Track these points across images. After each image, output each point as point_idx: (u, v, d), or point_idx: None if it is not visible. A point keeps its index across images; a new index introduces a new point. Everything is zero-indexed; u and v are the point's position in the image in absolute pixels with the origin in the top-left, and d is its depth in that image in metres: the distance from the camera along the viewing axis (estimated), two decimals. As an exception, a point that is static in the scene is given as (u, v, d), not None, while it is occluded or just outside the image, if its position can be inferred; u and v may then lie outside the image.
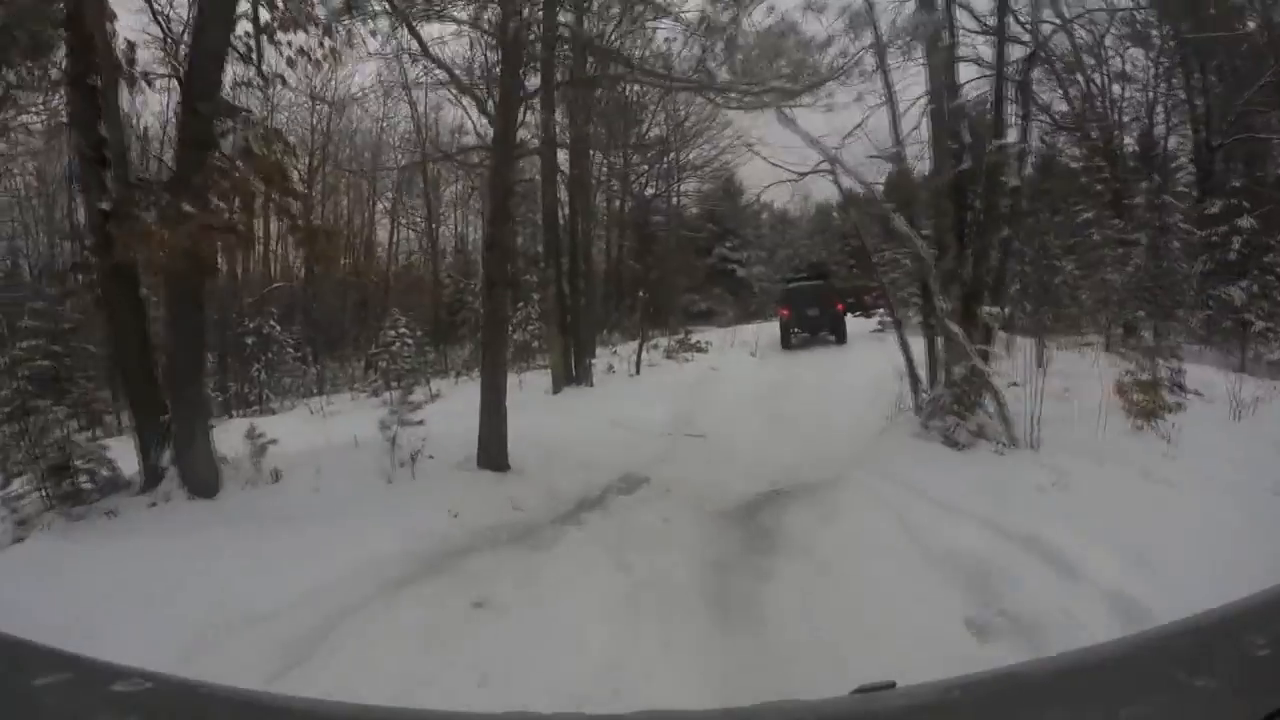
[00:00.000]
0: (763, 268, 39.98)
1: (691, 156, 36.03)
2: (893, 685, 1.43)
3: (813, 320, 21.96)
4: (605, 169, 33.16)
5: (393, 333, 23.27)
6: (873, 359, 17.92)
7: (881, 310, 27.03)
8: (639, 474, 9.69)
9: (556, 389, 16.36)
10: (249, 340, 24.22)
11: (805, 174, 11.47)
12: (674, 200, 37.50)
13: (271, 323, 24.49)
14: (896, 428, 10.22)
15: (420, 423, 10.17)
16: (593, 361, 18.45)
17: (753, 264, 39.56)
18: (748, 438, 11.50)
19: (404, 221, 34.95)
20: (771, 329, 24.28)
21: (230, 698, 1.37)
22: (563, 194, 18.08)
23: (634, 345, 19.51)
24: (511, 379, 18.23)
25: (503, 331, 10.24)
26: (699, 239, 38.43)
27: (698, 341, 21.77)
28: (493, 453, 9.82)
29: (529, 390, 16.90)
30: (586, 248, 27.32)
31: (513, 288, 9.95)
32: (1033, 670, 1.48)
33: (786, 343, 22.19)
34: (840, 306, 22.32)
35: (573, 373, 16.68)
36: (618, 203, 34.97)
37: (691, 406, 14.05)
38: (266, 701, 1.44)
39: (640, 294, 22.20)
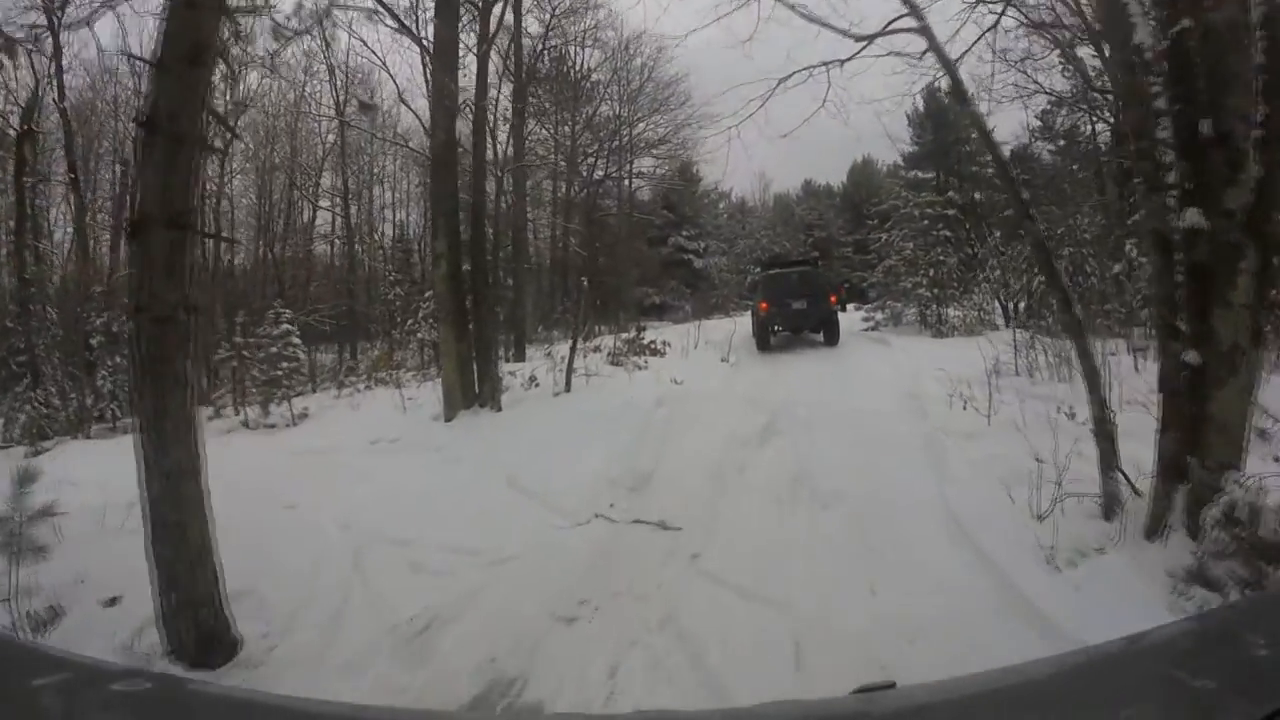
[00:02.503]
0: (723, 258, 34.22)
1: (646, 133, 30.10)
2: (892, 685, 1.30)
3: (799, 315, 16.05)
4: (552, 144, 27.43)
5: (273, 330, 17.31)
6: (884, 369, 12.20)
7: (871, 305, 21.46)
8: (526, 688, 3.73)
9: (450, 414, 10.40)
10: (94, 341, 17.77)
11: (872, 36, 5.49)
12: (626, 183, 31.50)
13: (125, 316, 18.06)
14: (1099, 559, 4.42)
15: (41, 551, 4.30)
16: (511, 373, 12.46)
17: (712, 254, 33.76)
18: (760, 545, 5.54)
19: (324, 203, 28.54)
20: (741, 326, 18.46)
21: (229, 698, 1.23)
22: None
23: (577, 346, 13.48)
24: (393, 397, 12.30)
25: (171, 337, 4.07)
26: (653, 226, 32.49)
27: (652, 342, 15.78)
28: (183, 626, 3.86)
29: (414, 416, 10.95)
30: (520, 222, 21.36)
31: (190, 230, 3.55)
32: (1033, 670, 1.32)
33: (764, 343, 16.26)
34: (833, 299, 16.44)
35: (475, 389, 10.65)
36: (564, 185, 29.01)
37: (645, 452, 8.12)
38: (265, 701, 1.28)
39: (582, 281, 16.11)
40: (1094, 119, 22.53)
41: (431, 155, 10.70)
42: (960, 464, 6.66)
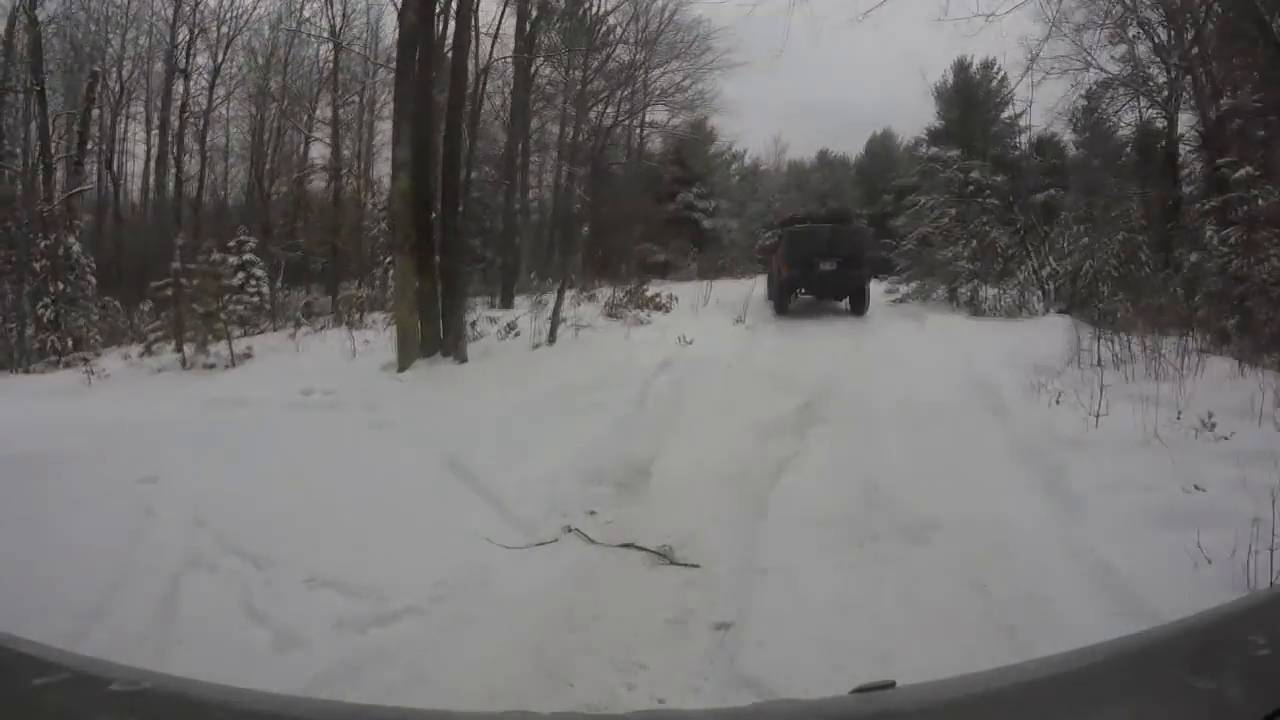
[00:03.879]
0: (734, 220, 31.72)
1: (662, 80, 27.43)
2: (892, 685, 1.17)
3: (826, 279, 13.48)
4: (561, 85, 24.90)
5: (233, 259, 15.03)
6: (928, 348, 9.80)
7: (895, 275, 18.92)
8: None
9: (403, 363, 8.07)
10: (38, 264, 15.29)
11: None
12: (637, 132, 28.87)
13: (72, 240, 15.64)
14: None
15: None
16: (491, 319, 10.19)
17: (721, 215, 31.15)
18: (835, 614, 3.19)
19: (318, 135, 25.95)
20: (755, 287, 16.04)
21: (229, 698, 1.15)
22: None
23: (569, 296, 11.05)
24: (347, 340, 9.97)
25: None
26: (662, 180, 29.87)
27: (656, 295, 13.38)
28: None
29: (363, 363, 8.74)
30: (518, 161, 18.95)
31: None
32: (1033, 670, 1.20)
33: (783, 308, 13.71)
34: (867, 263, 13.96)
35: (440, 335, 8.32)
36: (571, 131, 26.38)
37: (642, 434, 5.77)
38: (265, 702, 1.19)
39: (582, 228, 13.67)
40: (1143, 104, 19.87)
41: (399, 38, 8.22)
42: (1087, 486, 4.38)
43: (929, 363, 8.88)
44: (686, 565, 3.74)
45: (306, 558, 3.62)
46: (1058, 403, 6.06)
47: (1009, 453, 5.36)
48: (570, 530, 4.09)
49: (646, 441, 5.49)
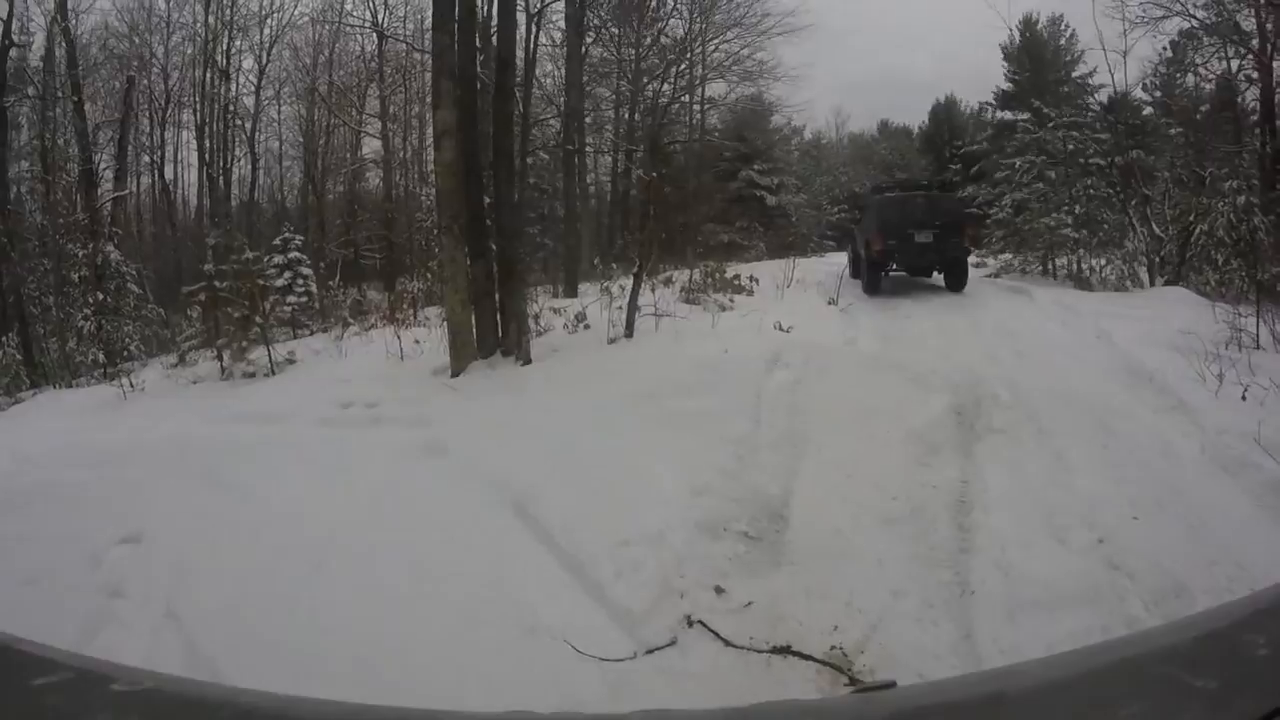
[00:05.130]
0: (800, 195, 29.95)
1: (718, 52, 25.88)
2: (893, 685, 1.20)
3: (923, 251, 11.70)
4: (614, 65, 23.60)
5: (278, 258, 14.03)
6: (1054, 329, 8.17)
7: (984, 246, 17.05)
8: None
9: (457, 366, 6.78)
10: (77, 275, 14.45)
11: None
12: (696, 108, 27.36)
13: (112, 247, 14.77)
14: None
15: None
16: (556, 310, 8.91)
17: (785, 191, 29.37)
18: None
19: (363, 126, 25.05)
20: (829, 265, 14.46)
21: (230, 698, 1.10)
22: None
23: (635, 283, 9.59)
24: (398, 341, 8.69)
25: None
26: (722, 158, 28.30)
27: (736, 276, 11.93)
28: None
29: (412, 366, 7.53)
30: (575, 144, 17.67)
31: None
32: (1033, 670, 1.18)
33: (875, 286, 12.02)
34: (967, 232, 12.23)
35: (498, 332, 7.03)
36: (626, 112, 25.02)
37: (765, 456, 4.28)
38: (266, 701, 1.12)
39: (649, 208, 12.27)
40: (1231, 54, 17.67)
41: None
42: None
43: (1063, 344, 7.33)
44: (879, 688, 2.34)
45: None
46: (1244, 398, 4.66)
47: (1214, 467, 4.03)
48: (693, 624, 2.72)
49: (773, 466, 4.07)
